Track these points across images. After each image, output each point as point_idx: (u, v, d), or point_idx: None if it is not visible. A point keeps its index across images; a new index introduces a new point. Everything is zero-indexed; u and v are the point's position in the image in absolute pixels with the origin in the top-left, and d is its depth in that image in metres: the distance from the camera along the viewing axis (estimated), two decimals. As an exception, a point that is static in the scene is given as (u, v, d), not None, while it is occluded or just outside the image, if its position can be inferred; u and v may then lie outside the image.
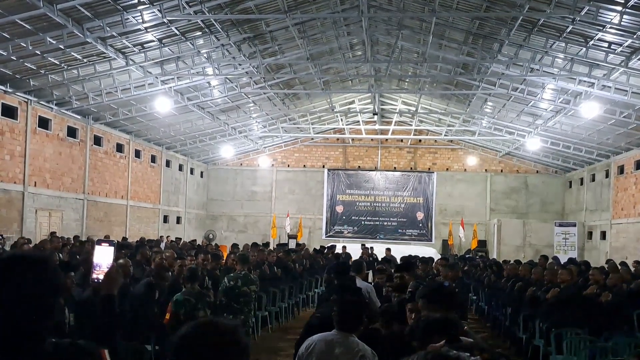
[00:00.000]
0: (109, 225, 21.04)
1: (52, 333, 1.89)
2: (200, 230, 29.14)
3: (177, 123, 22.24)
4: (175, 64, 16.02)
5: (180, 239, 22.12)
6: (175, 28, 14.01)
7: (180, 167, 27.69)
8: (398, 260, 12.85)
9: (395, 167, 29.44)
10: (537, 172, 28.68)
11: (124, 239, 18.66)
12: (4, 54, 13.34)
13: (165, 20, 13.09)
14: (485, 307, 13.21)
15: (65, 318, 5.54)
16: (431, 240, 28.14)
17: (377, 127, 26.14)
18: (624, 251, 20.45)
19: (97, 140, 20.46)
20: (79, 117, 18.88)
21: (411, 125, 26.57)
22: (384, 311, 5.09)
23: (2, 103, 15.54)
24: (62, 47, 13.73)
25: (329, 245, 21.33)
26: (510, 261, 14.70)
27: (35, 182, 16.83)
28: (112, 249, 3.11)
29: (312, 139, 28.73)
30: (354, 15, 14.21)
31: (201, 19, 13.51)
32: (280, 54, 17.19)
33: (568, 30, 13.18)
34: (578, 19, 12.34)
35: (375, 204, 29.09)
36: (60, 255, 11.56)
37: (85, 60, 15.01)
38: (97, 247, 3.17)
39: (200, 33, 14.85)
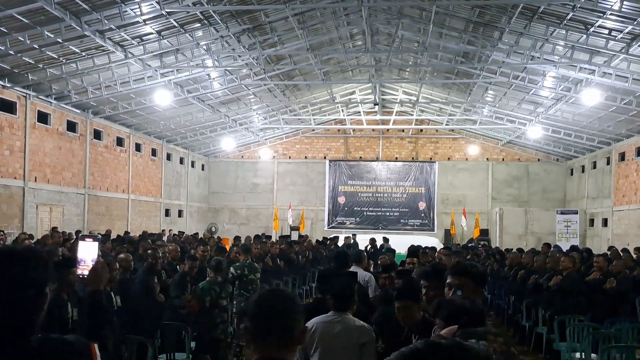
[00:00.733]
0: (111, 220, 21.04)
1: (53, 329, 1.86)
2: (202, 223, 29.17)
3: (177, 116, 22.18)
4: (175, 56, 15.95)
5: (183, 232, 22.10)
6: (174, 20, 13.92)
7: (181, 160, 27.66)
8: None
9: (396, 157, 29.40)
10: (539, 160, 28.65)
11: (126, 233, 18.65)
12: (2, 48, 13.26)
13: (163, 12, 13.00)
14: (489, 295, 13.22)
15: (68, 313, 5.52)
16: (433, 230, 28.16)
17: (378, 117, 26.05)
18: (626, 238, 20.44)
19: (97, 134, 20.41)
20: (78, 111, 18.83)
21: (412, 115, 26.50)
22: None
23: (1, 98, 15.49)
24: (60, 41, 13.67)
25: (331, 236, 21.29)
26: (512, 249, 14.68)
27: (35, 177, 16.81)
28: (96, 244, 3.04)
29: (313, 130, 28.70)
30: (353, 4, 14.10)
31: (200, 10, 13.42)
32: (280, 45, 17.09)
33: (568, 17, 13.10)
34: (578, 5, 12.26)
35: (377, 195, 29.08)
36: (63, 250, 11.53)
37: (83, 53, 14.95)
38: (80, 243, 3.10)
39: (199, 25, 14.77)
